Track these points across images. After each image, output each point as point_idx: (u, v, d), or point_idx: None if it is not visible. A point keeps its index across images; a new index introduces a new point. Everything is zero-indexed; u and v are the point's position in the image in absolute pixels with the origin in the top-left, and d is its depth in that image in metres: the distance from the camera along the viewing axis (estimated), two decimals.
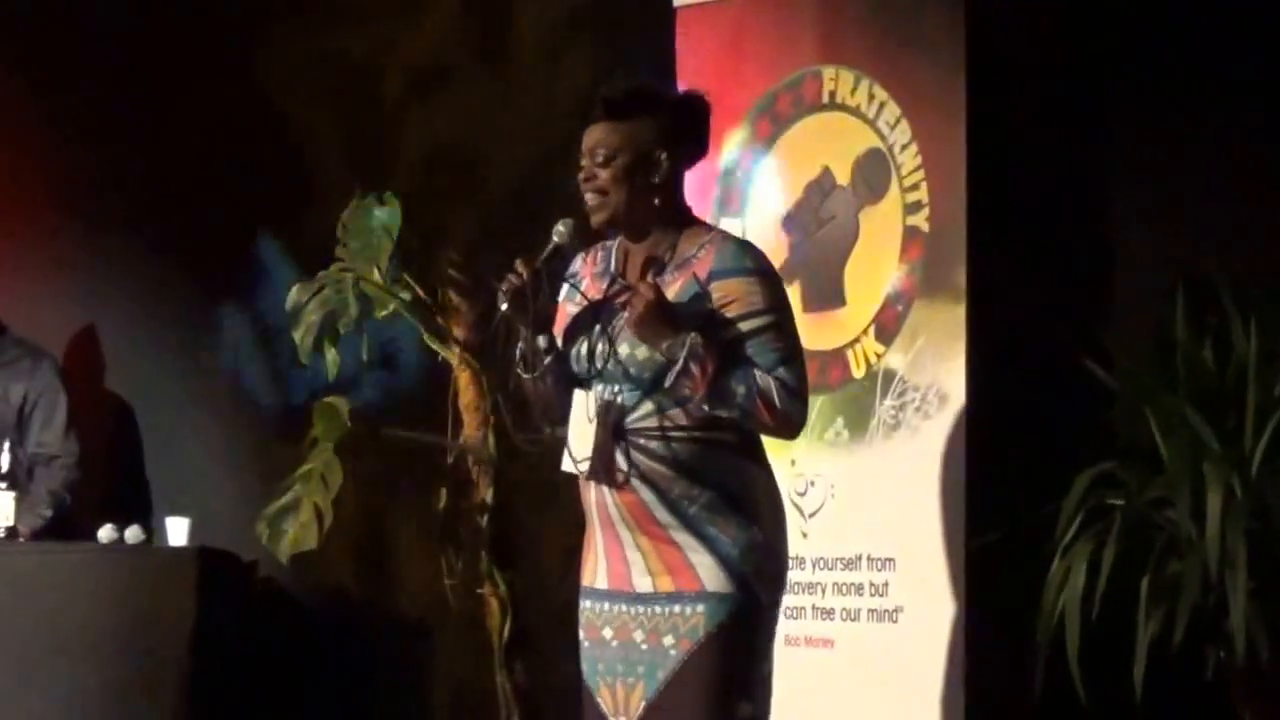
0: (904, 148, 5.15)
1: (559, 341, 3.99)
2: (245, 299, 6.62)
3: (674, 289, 3.90)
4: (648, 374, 3.88)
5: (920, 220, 5.11)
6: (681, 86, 5.41)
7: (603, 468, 3.90)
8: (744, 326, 3.86)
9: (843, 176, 5.26)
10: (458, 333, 5.54)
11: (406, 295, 5.52)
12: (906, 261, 5.12)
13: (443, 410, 5.59)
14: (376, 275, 5.50)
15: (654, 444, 3.88)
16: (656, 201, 3.94)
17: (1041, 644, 4.69)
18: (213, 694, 5.89)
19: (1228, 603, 4.48)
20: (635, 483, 3.88)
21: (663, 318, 3.82)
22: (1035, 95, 5.14)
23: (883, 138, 5.19)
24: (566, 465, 3.95)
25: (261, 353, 6.54)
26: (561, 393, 3.98)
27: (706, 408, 3.85)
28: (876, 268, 5.17)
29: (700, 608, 3.85)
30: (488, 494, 5.54)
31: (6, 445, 6.08)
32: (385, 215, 5.55)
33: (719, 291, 3.88)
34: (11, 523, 6.02)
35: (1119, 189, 5.13)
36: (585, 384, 3.96)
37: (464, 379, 5.54)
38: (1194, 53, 5.00)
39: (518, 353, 3.97)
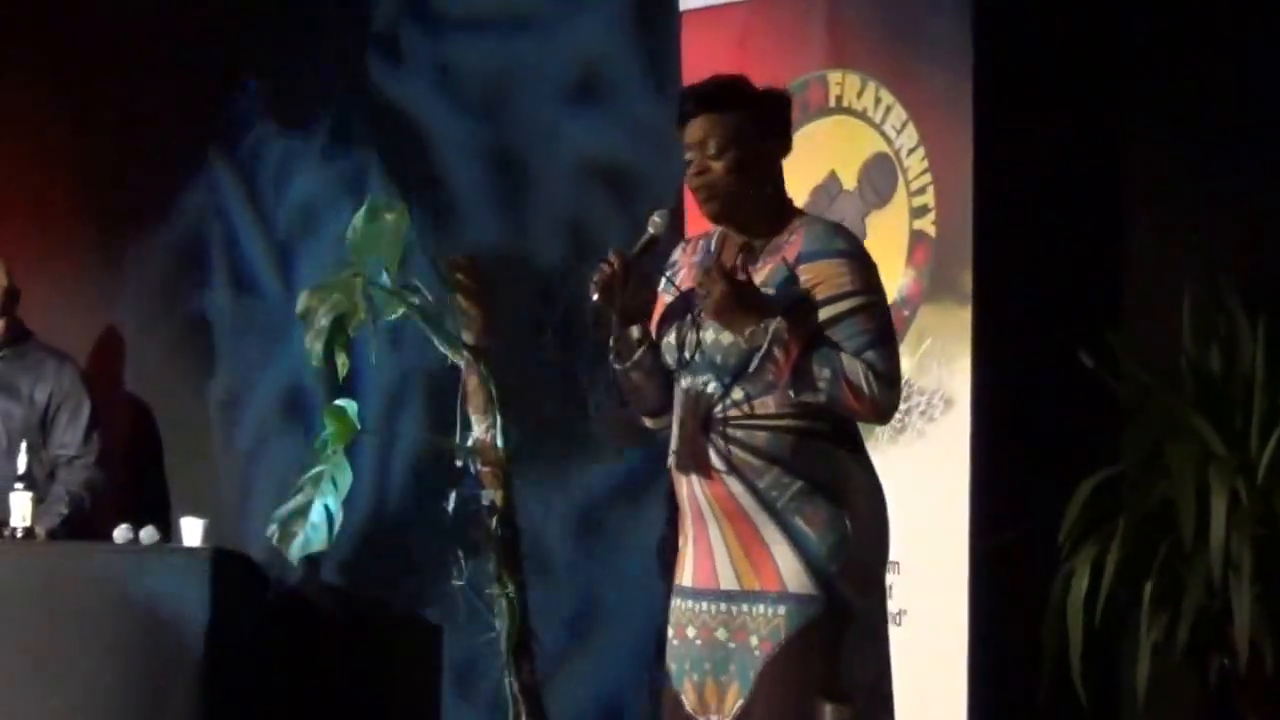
0: (910, 152, 5.16)
1: (654, 332, 3.96)
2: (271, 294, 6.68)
3: (763, 274, 3.85)
4: (733, 361, 3.83)
5: (926, 224, 5.12)
6: None
7: (692, 459, 3.85)
8: (832, 310, 3.80)
9: (849, 181, 5.27)
10: (467, 336, 5.54)
11: (416, 299, 5.53)
12: (913, 266, 5.13)
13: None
14: (386, 279, 5.51)
15: (742, 433, 3.82)
16: (769, 191, 3.92)
17: (1045, 648, 4.69)
18: (226, 694, 5.92)
19: (1232, 608, 4.48)
20: (724, 474, 3.83)
21: (742, 303, 3.76)
22: (1042, 99, 5.13)
23: (889, 142, 5.20)
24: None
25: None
26: (657, 384, 3.95)
27: (793, 394, 3.78)
28: (883, 272, 5.12)
29: (781, 609, 3.79)
30: (497, 496, 5.54)
31: (25, 447, 6.13)
32: (395, 219, 5.56)
33: (807, 274, 3.82)
34: (29, 523, 6.07)
35: (1126, 193, 5.13)
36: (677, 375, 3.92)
37: (473, 382, 5.55)
38: (1203, 57, 4.99)
39: (611, 344, 3.93)
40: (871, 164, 5.23)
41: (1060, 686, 4.66)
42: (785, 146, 3.98)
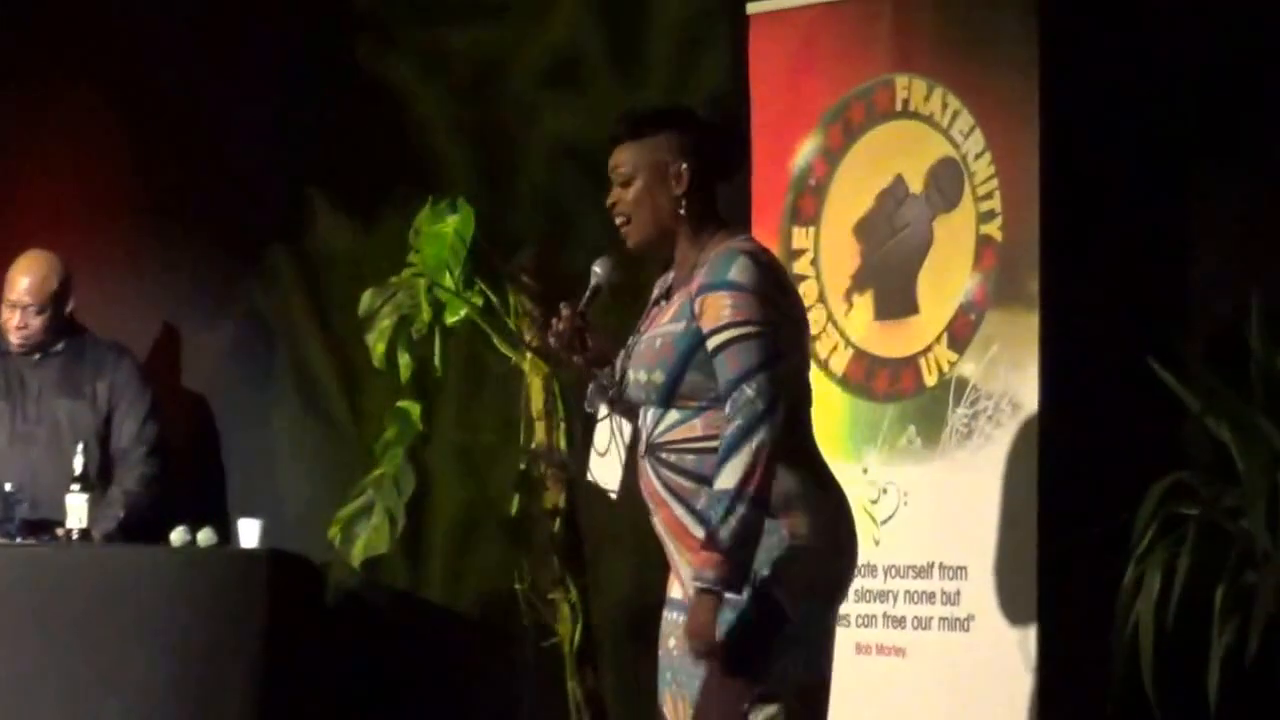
0: (977, 157, 5.15)
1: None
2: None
3: (673, 309, 3.91)
4: (654, 395, 3.89)
5: (993, 229, 5.11)
6: (755, 92, 5.47)
7: (639, 487, 3.95)
8: (714, 340, 3.81)
9: (916, 185, 5.26)
10: (530, 339, 5.56)
11: (479, 301, 5.54)
12: (979, 270, 5.12)
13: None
14: (449, 281, 5.53)
15: (673, 457, 3.88)
16: (681, 212, 3.91)
17: (1115, 654, 4.68)
18: (284, 696, 5.92)
19: None
20: (666, 497, 3.89)
21: (705, 634, 3.77)
22: (1109, 104, 5.13)
23: (956, 146, 5.19)
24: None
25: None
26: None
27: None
28: (949, 276, 5.17)
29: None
30: (559, 499, 5.56)
31: (81, 448, 6.13)
32: (458, 221, 5.59)
33: (699, 307, 3.85)
34: (85, 524, 6.06)
35: (1193, 197, 5.12)
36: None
37: (535, 385, 5.57)
38: (1271, 62, 4.98)
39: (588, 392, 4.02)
40: (938, 168, 5.22)
41: (1130, 692, 4.65)
42: (722, 165, 3.97)
